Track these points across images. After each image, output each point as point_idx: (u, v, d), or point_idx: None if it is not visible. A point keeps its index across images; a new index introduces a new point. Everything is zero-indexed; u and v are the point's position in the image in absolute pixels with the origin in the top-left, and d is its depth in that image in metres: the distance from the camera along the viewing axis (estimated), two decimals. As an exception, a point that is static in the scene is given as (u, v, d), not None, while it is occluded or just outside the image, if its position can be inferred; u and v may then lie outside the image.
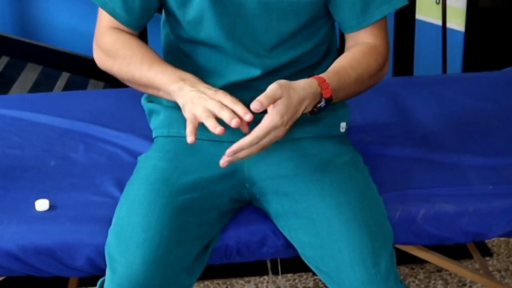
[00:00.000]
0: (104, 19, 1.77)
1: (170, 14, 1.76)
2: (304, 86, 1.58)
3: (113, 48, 1.74)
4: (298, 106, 1.57)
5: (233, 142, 1.77)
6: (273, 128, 1.54)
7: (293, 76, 1.75)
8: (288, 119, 1.55)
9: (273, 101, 1.54)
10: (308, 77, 1.63)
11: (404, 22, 3.05)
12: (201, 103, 1.57)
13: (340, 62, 1.70)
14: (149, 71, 1.69)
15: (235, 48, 1.71)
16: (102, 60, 1.77)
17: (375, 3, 1.71)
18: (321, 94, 1.61)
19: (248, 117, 1.53)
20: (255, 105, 1.52)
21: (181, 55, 1.79)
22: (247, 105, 1.76)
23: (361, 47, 1.73)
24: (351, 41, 1.76)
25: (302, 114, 1.60)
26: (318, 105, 1.62)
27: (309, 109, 1.61)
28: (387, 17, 1.75)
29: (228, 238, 1.74)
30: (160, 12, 1.82)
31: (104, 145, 2.04)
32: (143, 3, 1.73)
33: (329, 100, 1.62)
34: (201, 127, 1.80)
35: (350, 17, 1.72)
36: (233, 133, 1.78)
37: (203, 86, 1.62)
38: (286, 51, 1.73)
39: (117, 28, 1.76)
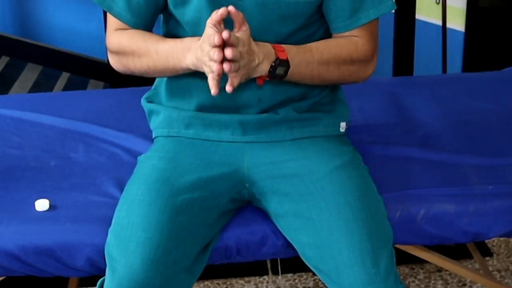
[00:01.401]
0: (111, 22, 1.78)
1: (168, 14, 1.77)
2: (259, 43, 1.63)
3: (122, 47, 1.75)
4: (255, 48, 1.61)
5: (233, 142, 1.78)
6: (241, 42, 1.56)
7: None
8: (246, 55, 1.58)
9: (240, 17, 1.58)
10: None
11: (404, 22, 3.05)
12: (204, 64, 1.61)
13: (308, 44, 1.73)
14: (159, 56, 1.71)
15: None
16: (116, 63, 1.79)
17: (363, 7, 1.73)
18: (276, 55, 1.63)
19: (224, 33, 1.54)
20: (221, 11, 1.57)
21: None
22: (245, 105, 1.77)
23: (340, 38, 1.75)
24: None
25: (259, 73, 1.63)
26: (273, 64, 1.63)
27: (265, 67, 1.62)
28: (377, 21, 1.77)
29: (228, 238, 1.74)
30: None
31: (104, 145, 2.05)
32: (148, 3, 1.74)
33: (285, 63, 1.64)
34: (201, 127, 1.80)
35: (338, 19, 1.73)
36: (233, 133, 1.78)
37: (196, 51, 1.63)
38: (284, 51, 1.73)
39: (122, 29, 1.77)
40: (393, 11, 2.17)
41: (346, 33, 1.74)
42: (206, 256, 1.71)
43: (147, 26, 1.78)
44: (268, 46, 1.64)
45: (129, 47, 1.74)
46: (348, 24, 1.73)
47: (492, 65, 2.72)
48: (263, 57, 1.62)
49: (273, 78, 1.66)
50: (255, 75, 1.64)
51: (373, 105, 2.21)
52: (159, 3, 1.75)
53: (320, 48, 1.72)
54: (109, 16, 1.79)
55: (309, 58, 1.69)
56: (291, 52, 1.67)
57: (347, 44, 1.73)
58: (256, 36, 1.69)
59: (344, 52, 1.72)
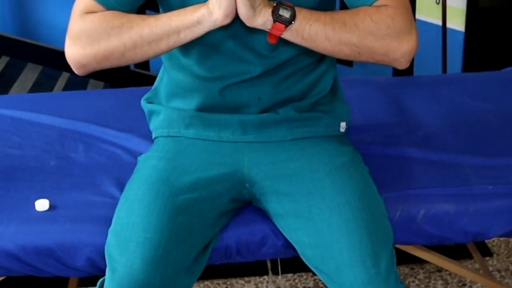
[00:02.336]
0: (81, 7, 1.66)
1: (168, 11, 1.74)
2: None
3: (103, 24, 1.63)
4: None
5: (233, 142, 1.78)
6: None
7: (293, 74, 1.75)
8: None
9: None
10: None
11: (404, 22, 3.04)
12: None
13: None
14: (158, 20, 1.62)
15: (235, 47, 1.71)
16: (88, 48, 1.65)
17: None
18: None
19: None
20: None
21: (179, 55, 1.78)
22: (245, 104, 1.76)
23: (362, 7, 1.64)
24: None
25: (263, 15, 1.57)
26: (275, 4, 1.58)
27: (268, 9, 1.57)
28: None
29: (228, 238, 1.74)
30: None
31: (104, 145, 2.05)
32: None
33: (288, 6, 1.58)
34: (201, 127, 1.80)
35: None
36: (233, 133, 1.78)
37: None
38: (286, 49, 1.72)
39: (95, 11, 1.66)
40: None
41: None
42: (206, 256, 1.71)
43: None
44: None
45: (117, 19, 1.63)
46: None
47: (492, 65, 2.72)
48: (266, 1, 1.58)
49: (279, 21, 1.58)
50: (258, 17, 1.58)
51: (373, 105, 2.21)
52: None
53: (333, 11, 1.65)
54: (78, 2, 1.67)
55: (319, 13, 1.62)
56: (298, 7, 1.60)
57: (366, 7, 1.63)
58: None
59: (361, 12, 1.62)
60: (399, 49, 1.63)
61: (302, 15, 1.60)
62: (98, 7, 1.65)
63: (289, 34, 1.61)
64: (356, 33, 1.61)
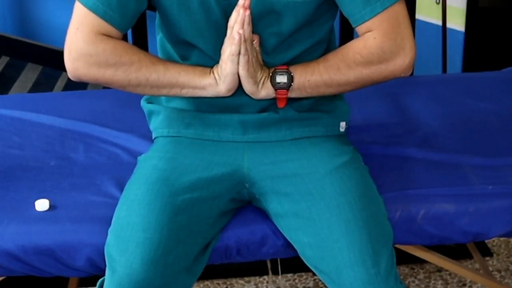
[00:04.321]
0: (88, 23, 1.67)
1: (166, 17, 1.75)
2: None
3: (113, 56, 1.66)
4: (261, 62, 1.69)
5: (233, 142, 1.78)
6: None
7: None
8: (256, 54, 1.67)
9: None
10: None
11: (404, 22, 3.04)
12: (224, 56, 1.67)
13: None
14: (167, 71, 1.69)
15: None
16: (93, 70, 1.67)
17: None
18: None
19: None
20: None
21: (177, 58, 1.78)
22: (245, 103, 1.76)
23: (349, 42, 1.71)
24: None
25: (265, 87, 1.70)
26: (271, 74, 1.69)
27: (267, 81, 1.69)
28: (398, 9, 1.65)
29: (228, 238, 1.74)
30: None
31: (104, 145, 2.04)
32: (136, 3, 1.68)
33: (283, 71, 1.69)
34: (201, 127, 1.80)
35: (353, 11, 1.67)
36: (234, 133, 1.78)
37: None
38: (285, 51, 1.73)
39: (104, 34, 1.67)
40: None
41: (363, 29, 1.68)
42: (206, 256, 1.71)
43: (127, 29, 1.71)
44: (269, 68, 1.71)
45: (128, 56, 1.67)
46: (364, 14, 1.66)
47: (492, 65, 2.71)
48: (267, 74, 1.70)
49: (279, 88, 1.69)
50: (262, 91, 1.70)
51: (373, 105, 2.21)
52: (144, 4, 1.69)
53: (326, 56, 1.72)
54: (84, 17, 1.68)
55: (313, 66, 1.70)
56: (293, 66, 1.71)
57: (353, 43, 1.70)
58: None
59: (350, 52, 1.69)
60: (396, 69, 1.69)
61: (298, 73, 1.70)
62: (98, 21, 1.66)
63: (293, 94, 1.71)
64: (352, 73, 1.69)
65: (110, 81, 1.70)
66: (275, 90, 1.70)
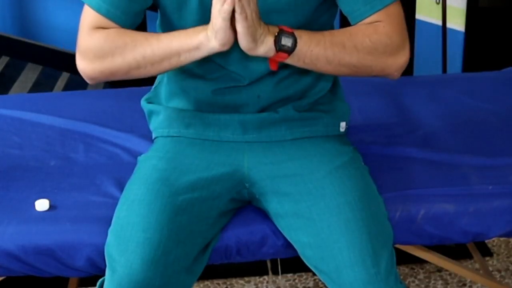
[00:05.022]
0: (88, 21, 1.68)
1: (165, 18, 1.75)
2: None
3: (108, 43, 1.66)
4: (261, 21, 1.58)
5: (233, 142, 1.78)
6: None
7: (293, 73, 1.75)
8: (255, 14, 1.56)
9: None
10: None
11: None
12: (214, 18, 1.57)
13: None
14: (160, 42, 1.64)
15: (233, 50, 1.70)
16: (96, 64, 1.69)
17: None
18: (279, 28, 1.60)
19: None
20: None
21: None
22: (244, 103, 1.76)
23: (358, 25, 1.68)
24: None
25: (265, 45, 1.59)
26: (276, 34, 1.59)
27: (270, 38, 1.59)
28: (397, 6, 1.67)
29: (228, 238, 1.74)
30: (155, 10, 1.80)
31: (104, 145, 2.05)
32: (140, 2, 1.69)
33: (289, 34, 1.59)
34: (201, 127, 1.80)
35: (353, 9, 1.67)
36: (234, 133, 1.78)
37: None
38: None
39: (100, 27, 1.68)
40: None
41: (367, 20, 1.67)
42: (206, 256, 1.71)
43: (131, 26, 1.71)
44: (272, 26, 1.61)
45: (121, 39, 1.66)
46: (364, 11, 1.66)
47: (492, 65, 2.71)
48: (267, 31, 1.59)
49: (282, 50, 1.60)
50: (260, 47, 1.60)
51: (373, 105, 2.21)
52: (148, 2, 1.70)
53: (332, 31, 1.67)
54: (85, 15, 1.69)
55: (319, 37, 1.64)
56: (299, 31, 1.62)
57: (364, 27, 1.66)
58: None
59: (360, 34, 1.65)
60: (394, 64, 1.68)
61: (303, 41, 1.61)
62: (104, 20, 1.67)
63: (290, 60, 1.63)
64: (355, 55, 1.65)
65: (113, 70, 1.69)
66: (276, 51, 1.61)
